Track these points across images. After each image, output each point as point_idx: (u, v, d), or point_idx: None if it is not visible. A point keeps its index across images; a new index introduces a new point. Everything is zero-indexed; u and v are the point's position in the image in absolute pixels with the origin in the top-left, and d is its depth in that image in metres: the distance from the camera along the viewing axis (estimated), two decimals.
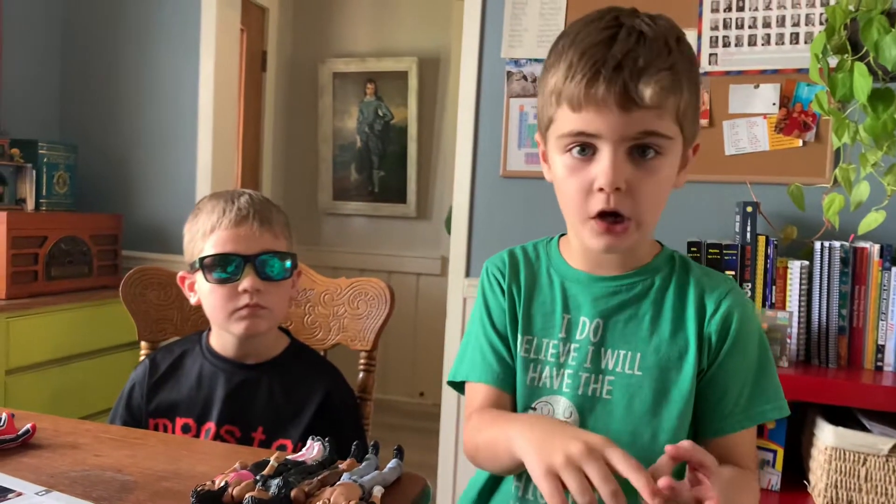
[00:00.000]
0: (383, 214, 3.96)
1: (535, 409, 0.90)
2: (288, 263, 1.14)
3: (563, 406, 0.88)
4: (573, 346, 0.90)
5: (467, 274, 2.34)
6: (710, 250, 1.81)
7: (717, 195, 2.04)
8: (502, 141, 2.25)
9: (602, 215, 0.81)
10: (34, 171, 2.33)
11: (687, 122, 0.83)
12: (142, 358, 1.35)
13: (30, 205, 2.34)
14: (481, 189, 2.31)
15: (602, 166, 0.79)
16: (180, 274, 1.21)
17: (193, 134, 2.58)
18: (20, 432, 0.87)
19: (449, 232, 3.23)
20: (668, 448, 0.69)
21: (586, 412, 0.87)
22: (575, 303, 0.92)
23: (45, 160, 2.37)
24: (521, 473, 0.89)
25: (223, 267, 1.09)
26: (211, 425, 1.12)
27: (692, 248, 1.82)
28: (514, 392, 0.92)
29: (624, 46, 0.78)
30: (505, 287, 0.96)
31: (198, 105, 2.57)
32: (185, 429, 1.13)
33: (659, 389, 0.86)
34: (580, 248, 0.92)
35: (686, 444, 0.70)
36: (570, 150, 0.82)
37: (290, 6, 3.94)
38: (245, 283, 1.08)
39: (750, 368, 0.87)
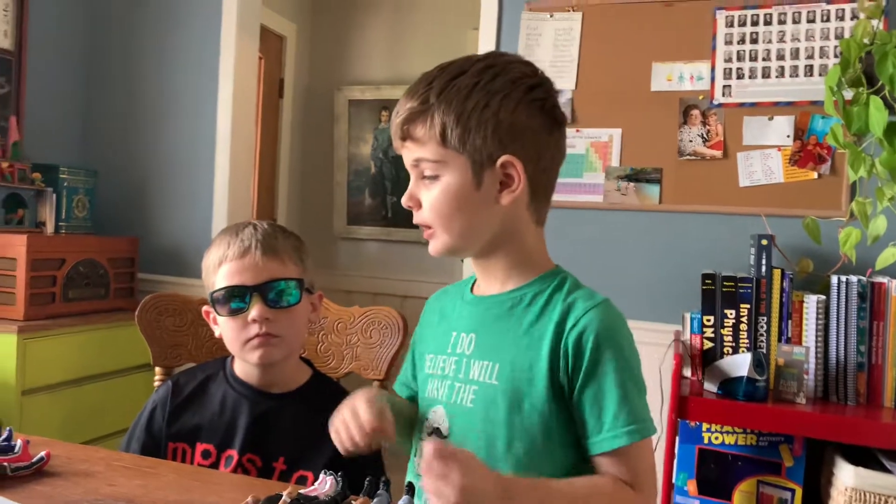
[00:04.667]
0: (397, 239, 3.97)
1: (427, 418, 0.97)
2: (295, 290, 1.14)
3: (440, 414, 0.95)
4: (453, 359, 0.96)
5: None
6: (725, 283, 1.80)
7: (731, 227, 2.03)
8: None
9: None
10: (54, 195, 2.37)
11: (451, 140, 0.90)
12: (157, 381, 1.36)
13: (49, 228, 2.37)
14: None
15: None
16: (204, 308, 1.22)
17: (211, 159, 2.61)
18: (34, 459, 0.88)
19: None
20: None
21: (454, 419, 0.93)
22: (461, 320, 0.99)
23: (65, 184, 2.40)
24: None
25: (231, 299, 1.12)
26: (233, 453, 1.11)
27: (707, 280, 1.81)
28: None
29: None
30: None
31: (216, 131, 2.60)
32: (205, 455, 1.13)
33: (512, 400, 0.89)
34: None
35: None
36: None
37: (307, 35, 4.00)
38: (253, 312, 1.10)
39: (610, 387, 0.86)
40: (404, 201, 0.95)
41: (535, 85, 0.92)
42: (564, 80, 2.19)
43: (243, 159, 2.69)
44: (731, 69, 2.05)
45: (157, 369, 1.37)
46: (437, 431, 0.94)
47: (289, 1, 3.79)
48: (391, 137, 0.96)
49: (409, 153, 0.93)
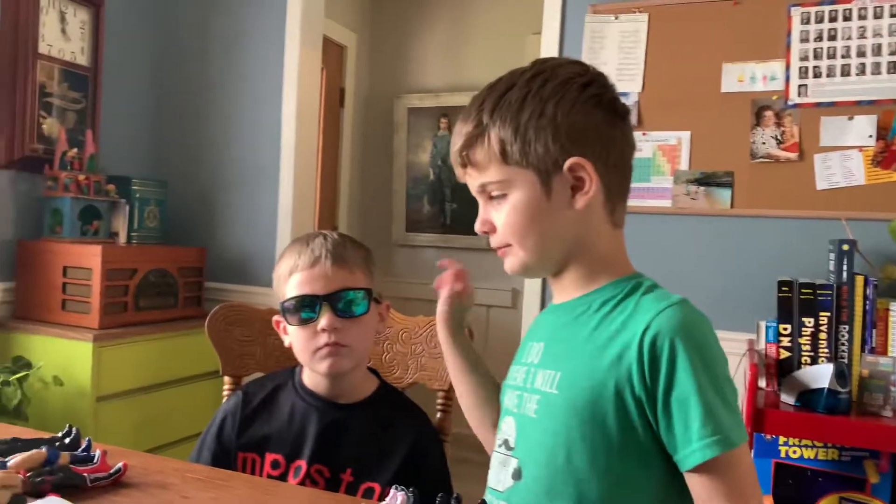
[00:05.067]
0: (455, 246, 3.97)
1: (501, 428, 0.95)
2: (363, 299, 1.14)
3: (509, 425, 0.93)
4: (523, 368, 0.94)
5: (542, 309, 2.30)
6: (803, 290, 1.72)
7: (808, 232, 1.94)
8: None
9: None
10: (127, 206, 2.44)
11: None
12: (225, 391, 1.37)
13: (122, 238, 2.45)
14: None
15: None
16: (274, 318, 1.23)
17: (276, 170, 2.66)
18: (112, 470, 0.89)
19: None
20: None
21: (521, 430, 0.91)
22: (537, 329, 0.98)
23: (137, 195, 2.48)
24: None
25: (301, 308, 1.12)
26: (301, 463, 1.12)
27: (783, 288, 1.74)
28: None
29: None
30: None
31: (280, 142, 2.65)
32: (275, 465, 1.13)
33: (572, 411, 0.84)
34: None
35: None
36: None
37: (367, 44, 4.04)
38: (323, 322, 1.10)
39: (693, 395, 0.78)
40: (478, 227, 0.93)
41: (587, 83, 0.89)
42: (630, 83, 2.14)
43: (307, 169, 2.73)
44: (807, 68, 1.97)
45: (226, 378, 1.39)
46: (505, 443, 0.92)
47: (349, 10, 3.84)
48: (451, 158, 0.95)
49: (473, 180, 0.93)
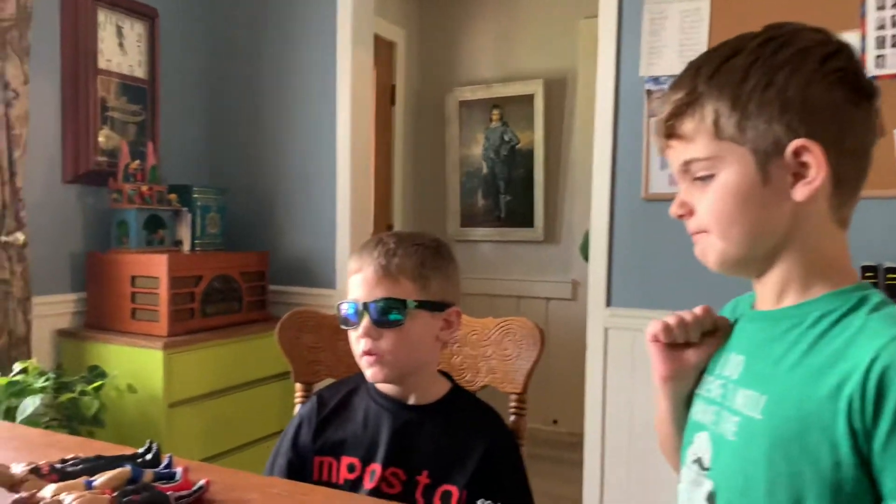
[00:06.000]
0: (511, 239, 3.92)
1: (693, 443, 0.87)
2: (399, 309, 1.09)
3: (703, 442, 0.84)
4: (719, 382, 0.85)
5: (608, 303, 2.24)
6: (889, 275, 1.62)
7: (891, 211, 1.83)
8: (643, 162, 2.15)
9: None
10: (189, 215, 2.48)
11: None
12: (298, 398, 1.37)
13: (186, 246, 2.49)
14: (621, 213, 2.21)
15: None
16: None
17: (332, 171, 2.66)
18: (195, 488, 0.89)
19: (585, 258, 3.13)
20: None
21: (717, 450, 0.82)
22: (735, 338, 0.87)
23: (198, 203, 2.51)
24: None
25: (346, 312, 1.12)
26: (377, 467, 1.10)
27: (867, 273, 1.65)
28: None
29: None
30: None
31: (335, 142, 2.64)
32: (350, 468, 1.12)
33: (777, 440, 0.74)
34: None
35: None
36: None
37: (416, 39, 4.02)
38: (359, 329, 1.10)
39: None
40: (673, 210, 0.84)
41: (830, 53, 0.76)
42: None
43: (362, 169, 2.72)
44: (884, 37, 1.85)
45: (298, 385, 1.38)
46: (699, 461, 0.84)
47: (397, 7, 3.82)
48: (655, 129, 0.86)
49: (677, 154, 0.83)
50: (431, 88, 4.02)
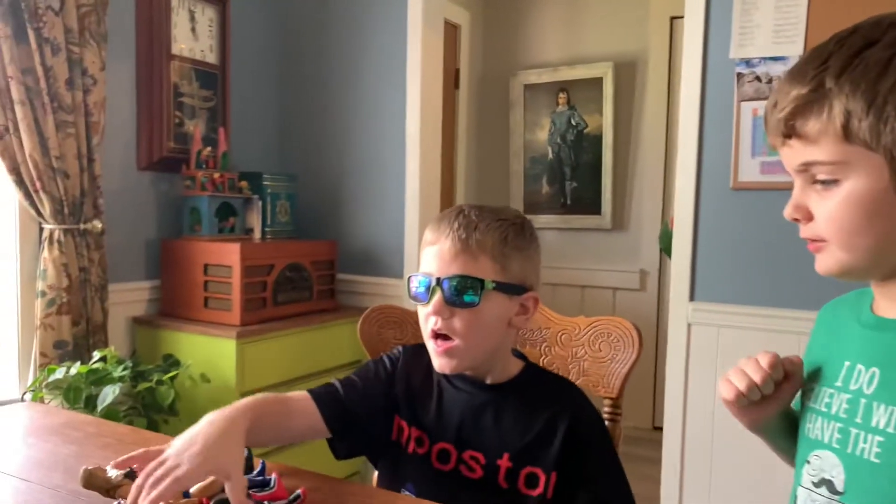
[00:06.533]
0: (576, 227, 3.82)
1: (809, 462, 0.81)
2: (476, 290, 1.00)
3: (829, 463, 0.78)
4: (845, 396, 0.78)
5: (692, 297, 2.13)
6: None
7: None
8: (732, 150, 2.03)
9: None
10: (260, 202, 2.46)
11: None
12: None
13: (257, 234, 2.47)
14: (707, 203, 2.10)
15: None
16: None
17: (402, 158, 2.61)
18: (291, 497, 0.85)
19: (664, 250, 3.01)
20: None
21: (853, 473, 0.75)
22: (855, 346, 0.80)
23: (268, 191, 2.49)
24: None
25: (417, 287, 1.03)
26: (447, 447, 1.05)
27: None
28: None
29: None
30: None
31: (405, 129, 2.59)
32: (419, 442, 1.07)
33: None
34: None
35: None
36: None
37: (480, 21, 3.93)
38: (430, 305, 1.00)
39: None
40: (788, 213, 0.78)
41: None
42: (790, 46, 1.92)
43: (431, 156, 2.66)
44: None
45: None
46: (827, 484, 0.78)
47: None
48: (768, 124, 0.76)
49: (795, 154, 0.76)
50: (496, 72, 3.93)
